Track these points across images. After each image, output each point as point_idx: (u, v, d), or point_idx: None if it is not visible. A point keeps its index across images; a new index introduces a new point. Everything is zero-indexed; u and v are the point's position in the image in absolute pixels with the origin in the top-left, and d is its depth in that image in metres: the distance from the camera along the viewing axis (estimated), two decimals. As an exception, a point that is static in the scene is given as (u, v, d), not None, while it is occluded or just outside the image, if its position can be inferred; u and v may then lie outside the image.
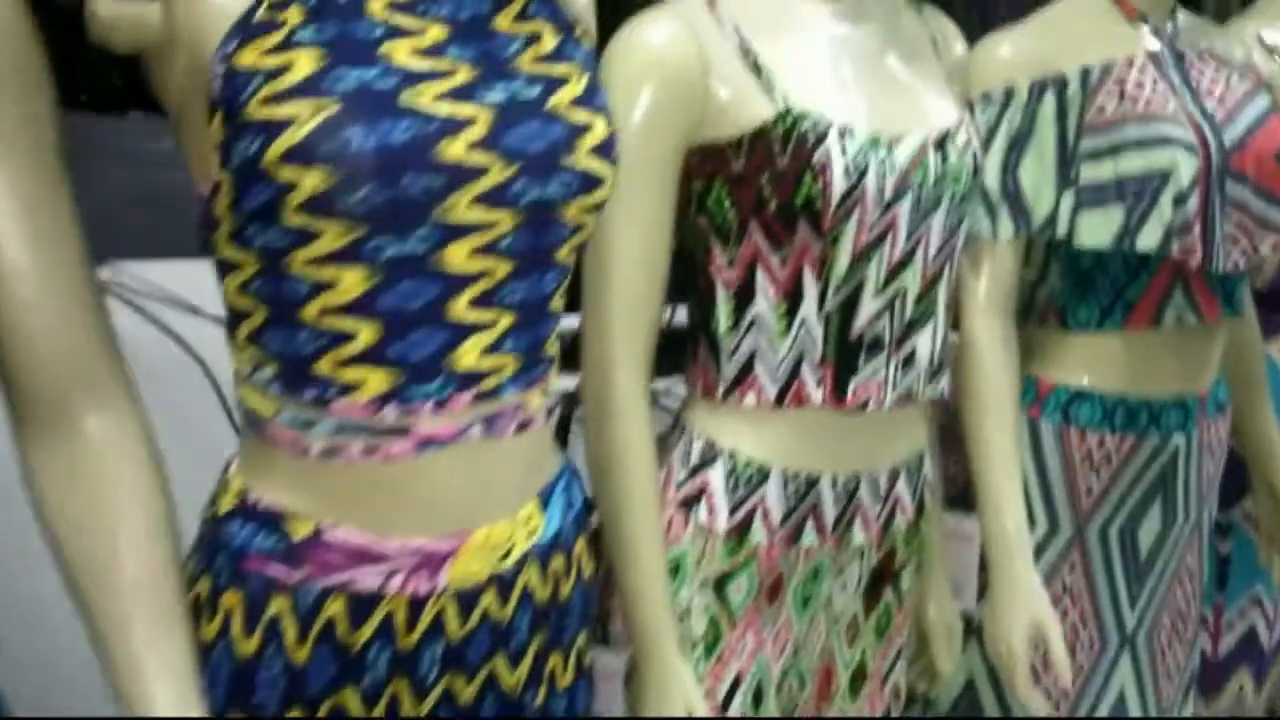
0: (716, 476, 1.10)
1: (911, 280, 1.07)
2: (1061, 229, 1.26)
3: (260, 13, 0.77)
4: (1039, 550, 1.36)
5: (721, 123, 1.02)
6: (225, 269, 0.84)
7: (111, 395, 0.78)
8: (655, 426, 1.10)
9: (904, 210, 1.04)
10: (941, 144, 1.06)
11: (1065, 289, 1.34)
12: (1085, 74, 1.26)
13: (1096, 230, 1.25)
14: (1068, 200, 1.26)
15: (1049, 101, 1.25)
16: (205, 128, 0.79)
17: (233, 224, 0.80)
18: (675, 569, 1.10)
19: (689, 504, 1.10)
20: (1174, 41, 1.31)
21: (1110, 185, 1.24)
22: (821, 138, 0.99)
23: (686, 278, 1.12)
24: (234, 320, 0.85)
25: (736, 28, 1.04)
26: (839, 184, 0.99)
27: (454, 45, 0.83)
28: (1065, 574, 1.37)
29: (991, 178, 1.26)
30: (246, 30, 0.76)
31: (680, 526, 1.10)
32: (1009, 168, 1.26)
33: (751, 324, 1.07)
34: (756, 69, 1.01)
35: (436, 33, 0.82)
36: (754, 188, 1.01)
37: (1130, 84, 1.25)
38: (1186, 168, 1.22)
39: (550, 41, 0.88)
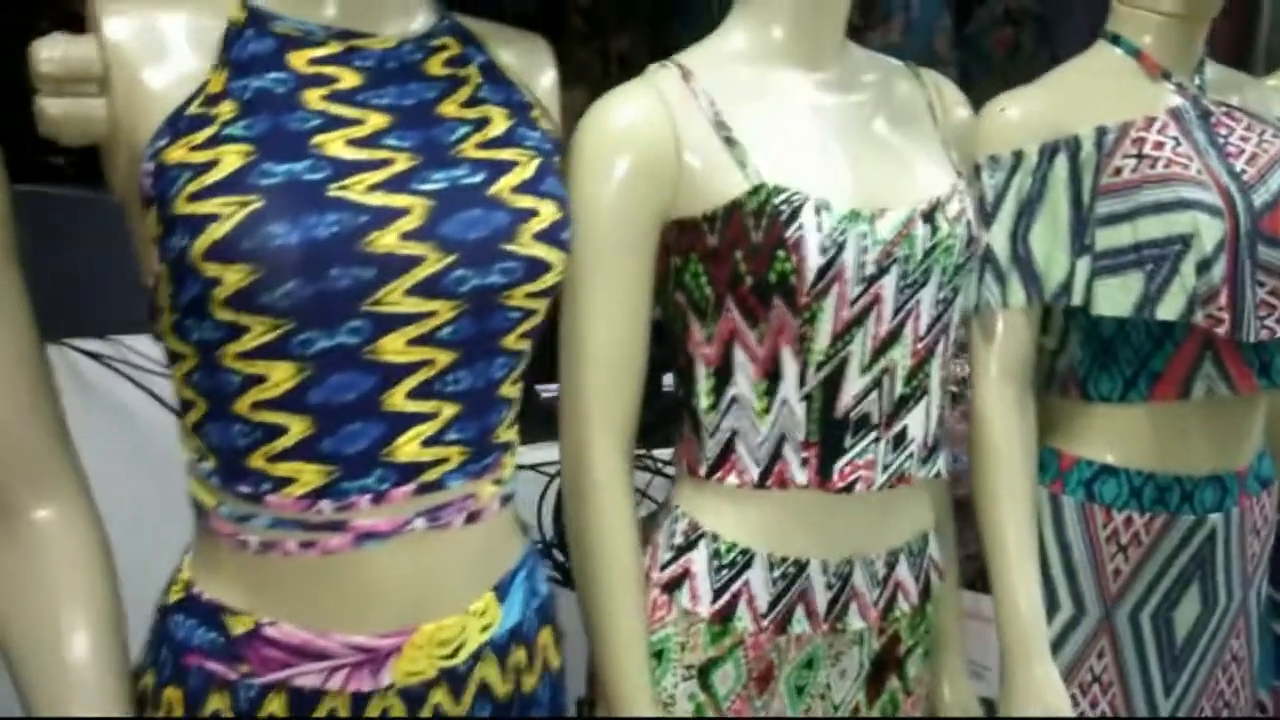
0: (700, 559, 1.05)
1: (900, 357, 1.02)
2: (1077, 297, 1.19)
3: (193, 108, 0.77)
4: (1064, 635, 1.28)
5: (695, 198, 0.99)
6: (172, 359, 0.84)
7: (59, 488, 0.78)
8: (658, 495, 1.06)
9: (889, 285, 0.99)
10: (930, 215, 1.01)
11: (1086, 359, 1.27)
12: (1101, 134, 1.19)
13: (1115, 299, 1.18)
14: (1084, 267, 1.19)
15: (1061, 164, 1.19)
16: (143, 221, 0.79)
17: (171, 316, 0.80)
18: (659, 655, 1.06)
19: (672, 587, 1.06)
20: (1200, 98, 1.24)
21: (1129, 251, 1.17)
22: (795, 213, 0.95)
23: (671, 352, 1.09)
24: (182, 410, 0.85)
25: (712, 100, 1.01)
26: (813, 260, 0.95)
27: (394, 134, 0.81)
28: (1093, 661, 1.29)
29: (1000, 244, 1.20)
30: (177, 126, 0.76)
31: (664, 610, 1.06)
32: (1019, 234, 1.20)
33: (732, 402, 1.03)
34: (730, 142, 0.98)
35: (376, 121, 0.81)
36: (729, 264, 0.98)
37: (1149, 144, 1.18)
38: (1210, 232, 1.15)
39: (500, 125, 0.87)
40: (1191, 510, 1.26)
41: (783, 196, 0.96)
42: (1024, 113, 1.21)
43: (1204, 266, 1.15)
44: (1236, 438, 1.26)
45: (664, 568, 1.07)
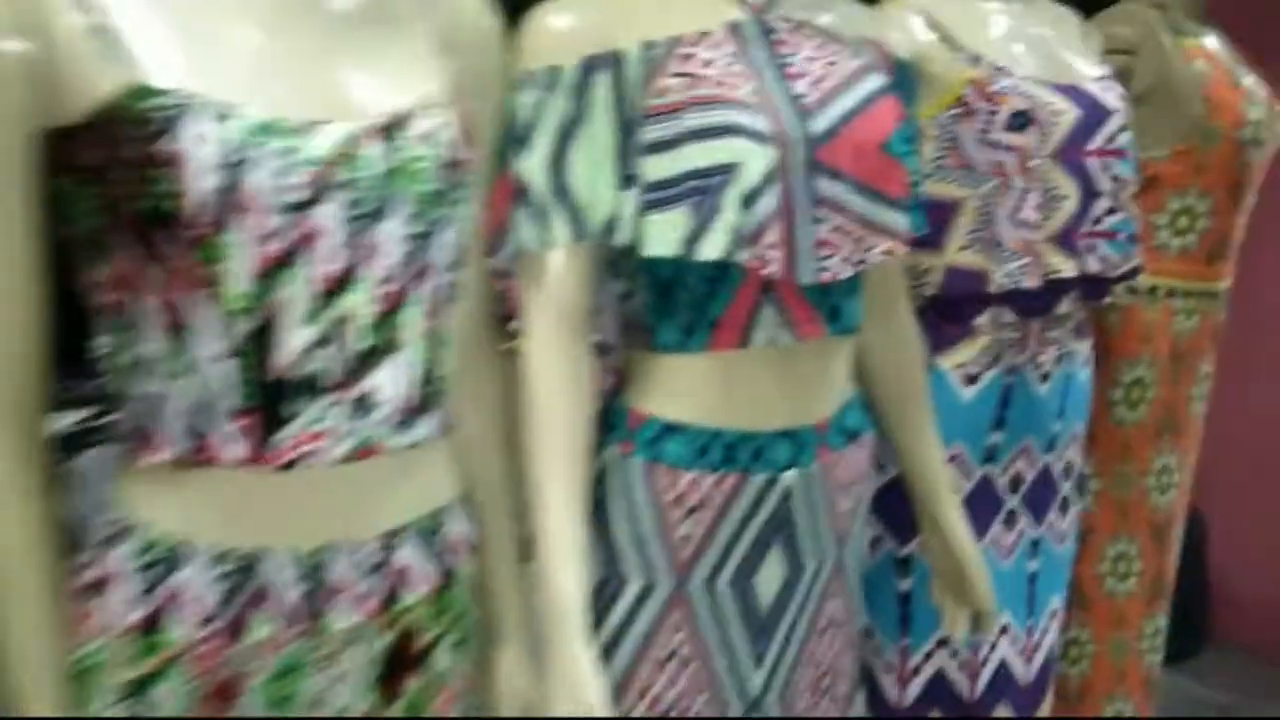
0: (121, 558, 0.86)
1: (360, 304, 0.84)
2: (625, 233, 1.05)
3: None
4: (635, 609, 1.16)
5: (65, 101, 0.77)
6: None
7: None
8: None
9: (331, 215, 0.81)
10: (390, 131, 0.84)
11: (650, 304, 1.14)
12: (648, 50, 1.05)
13: (663, 236, 1.04)
14: (631, 199, 1.05)
15: (603, 82, 1.04)
16: None
17: None
18: (85, 673, 0.86)
19: (91, 593, 0.86)
20: (765, 11, 1.11)
21: (676, 182, 1.03)
22: (175, 119, 0.75)
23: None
24: None
25: None
26: (202, 181, 0.75)
27: None
28: (669, 635, 1.17)
29: (537, 175, 1.04)
30: None
31: (85, 621, 0.86)
32: (557, 162, 1.04)
33: (139, 361, 0.83)
34: (101, 30, 0.77)
35: None
36: (109, 186, 0.78)
37: (698, 62, 1.05)
38: (756, 161, 1.02)
39: None
40: (763, 468, 1.15)
41: (160, 99, 0.76)
42: (565, 23, 1.05)
43: (749, 200, 1.02)
44: (811, 389, 1.16)
45: (83, 571, 0.87)
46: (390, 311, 0.86)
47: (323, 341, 0.83)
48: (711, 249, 1.03)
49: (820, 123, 1.07)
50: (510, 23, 1.06)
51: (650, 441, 1.14)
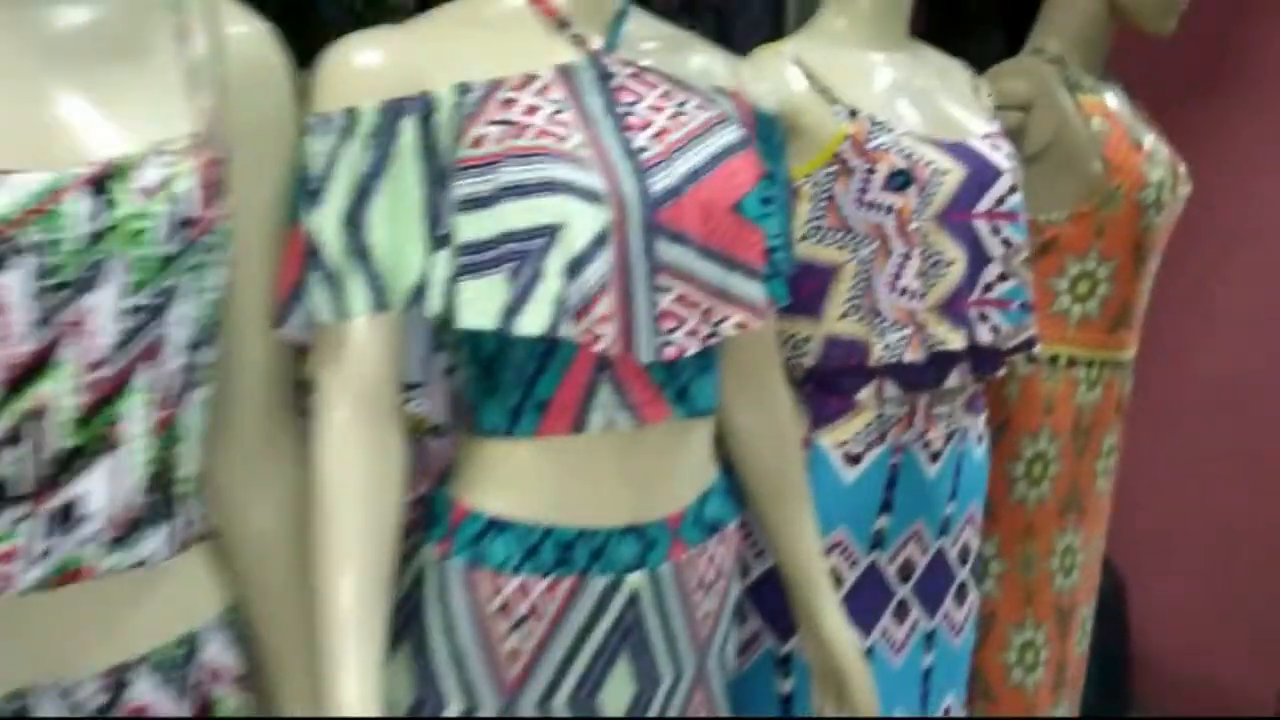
0: None
1: (59, 394, 0.69)
2: (434, 303, 0.91)
3: None
4: (454, 737, 1.00)
5: None
6: None
7: None
8: None
9: (14, 286, 0.66)
10: (102, 184, 0.69)
11: (473, 382, 1.00)
12: (463, 93, 0.92)
13: (480, 306, 0.90)
14: (443, 263, 0.91)
15: (409, 128, 0.90)
16: None
17: None
18: None
19: None
20: (603, 55, 0.99)
21: (490, 245, 0.90)
22: None
23: None
24: None
25: None
26: None
27: None
28: (495, 765, 1.01)
29: (331, 234, 0.90)
30: None
31: None
32: (354, 219, 0.90)
33: None
34: None
35: None
36: None
37: (520, 108, 0.92)
38: (583, 222, 0.89)
39: None
40: (605, 570, 1.01)
41: None
42: (366, 59, 0.91)
43: (575, 267, 0.89)
44: (659, 479, 1.02)
45: None
46: (102, 402, 0.70)
47: (10, 440, 0.67)
48: (532, 322, 0.89)
49: (662, 180, 0.94)
50: (306, 59, 0.92)
51: (472, 540, 0.99)
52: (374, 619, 0.91)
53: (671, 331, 0.95)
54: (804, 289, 1.30)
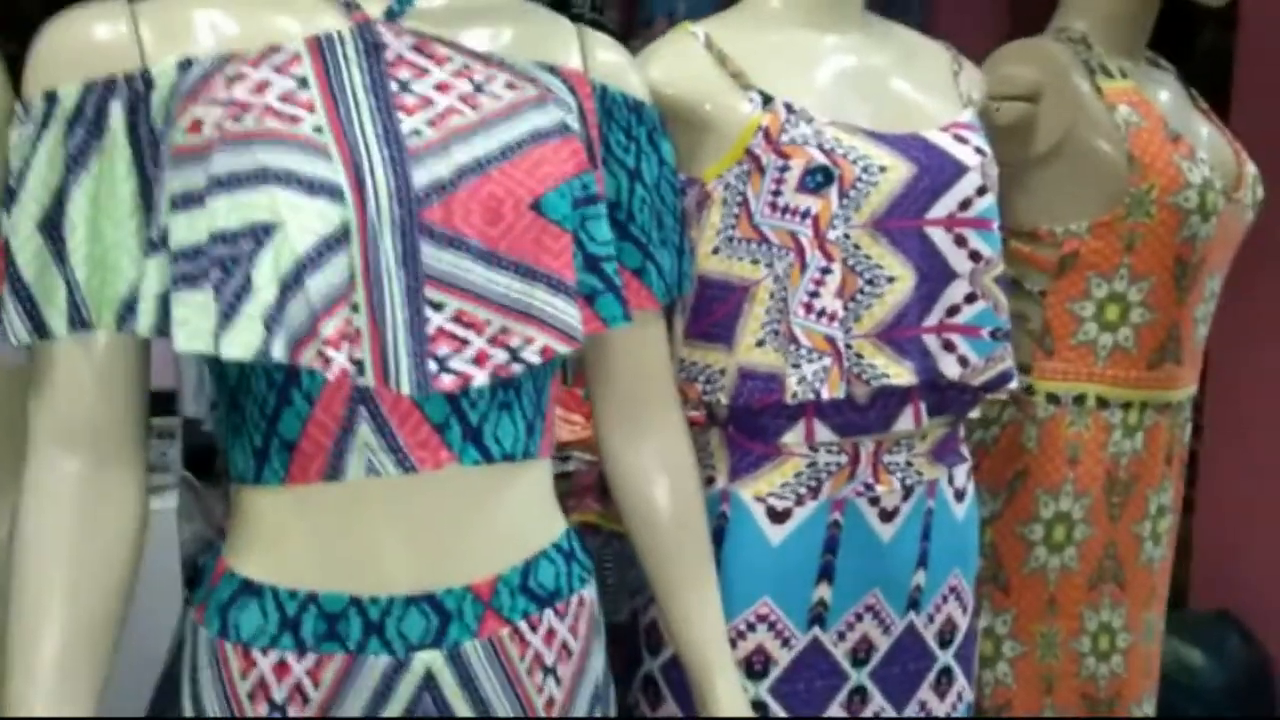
0: None
1: None
2: (146, 320, 0.76)
3: None
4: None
5: None
6: None
7: None
8: None
9: None
10: None
11: (222, 419, 0.84)
12: (184, 69, 0.77)
13: (191, 324, 0.74)
14: (157, 271, 0.76)
15: (118, 112, 0.76)
16: None
17: None
18: None
19: None
20: (378, 23, 0.82)
21: (202, 250, 0.74)
22: None
23: None
24: None
25: None
26: None
27: None
28: None
29: (25, 240, 0.76)
30: None
31: None
32: (52, 222, 0.76)
33: None
34: None
35: None
36: None
37: (249, 85, 0.76)
38: (305, 221, 0.72)
39: None
40: (384, 649, 0.83)
41: None
42: (74, 35, 0.77)
43: (295, 276, 0.72)
44: (453, 539, 0.84)
45: None
46: None
47: None
48: (239, 343, 0.72)
49: (432, 170, 0.77)
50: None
51: (222, 607, 0.83)
52: (71, 689, 0.76)
53: (446, 359, 0.77)
54: (716, 312, 1.09)
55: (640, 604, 1.18)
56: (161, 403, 0.99)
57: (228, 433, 0.83)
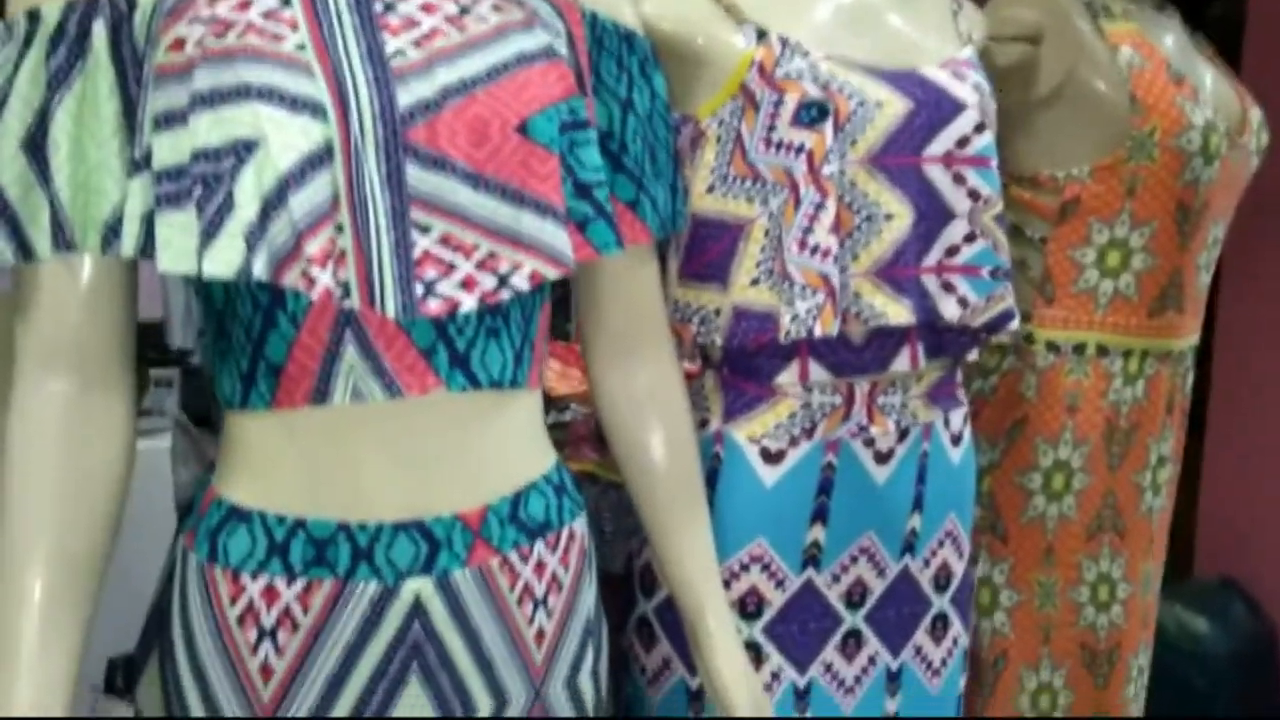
0: None
1: None
2: (129, 243, 0.75)
3: None
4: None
5: None
6: None
7: None
8: None
9: None
10: None
11: (209, 342, 0.84)
12: None
13: (175, 245, 0.74)
14: (140, 192, 0.75)
15: (100, 31, 0.75)
16: None
17: None
18: None
19: None
20: None
21: (184, 170, 0.74)
22: None
23: None
24: None
25: None
26: None
27: None
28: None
29: (7, 161, 0.75)
30: None
31: None
32: (35, 142, 0.76)
33: None
34: None
35: None
36: None
37: (230, 3, 0.75)
38: (288, 138, 0.72)
39: None
40: (373, 575, 0.83)
41: None
42: None
43: (277, 194, 0.72)
44: (441, 466, 0.83)
45: None
46: None
47: None
48: (220, 261, 0.72)
49: (416, 91, 0.76)
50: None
51: (211, 532, 0.83)
52: (61, 619, 0.76)
53: (434, 282, 0.77)
54: (710, 251, 1.08)
55: (635, 546, 1.18)
56: (150, 335, 0.98)
57: (215, 358, 0.83)
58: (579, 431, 1.50)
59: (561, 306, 2.04)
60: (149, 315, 1.10)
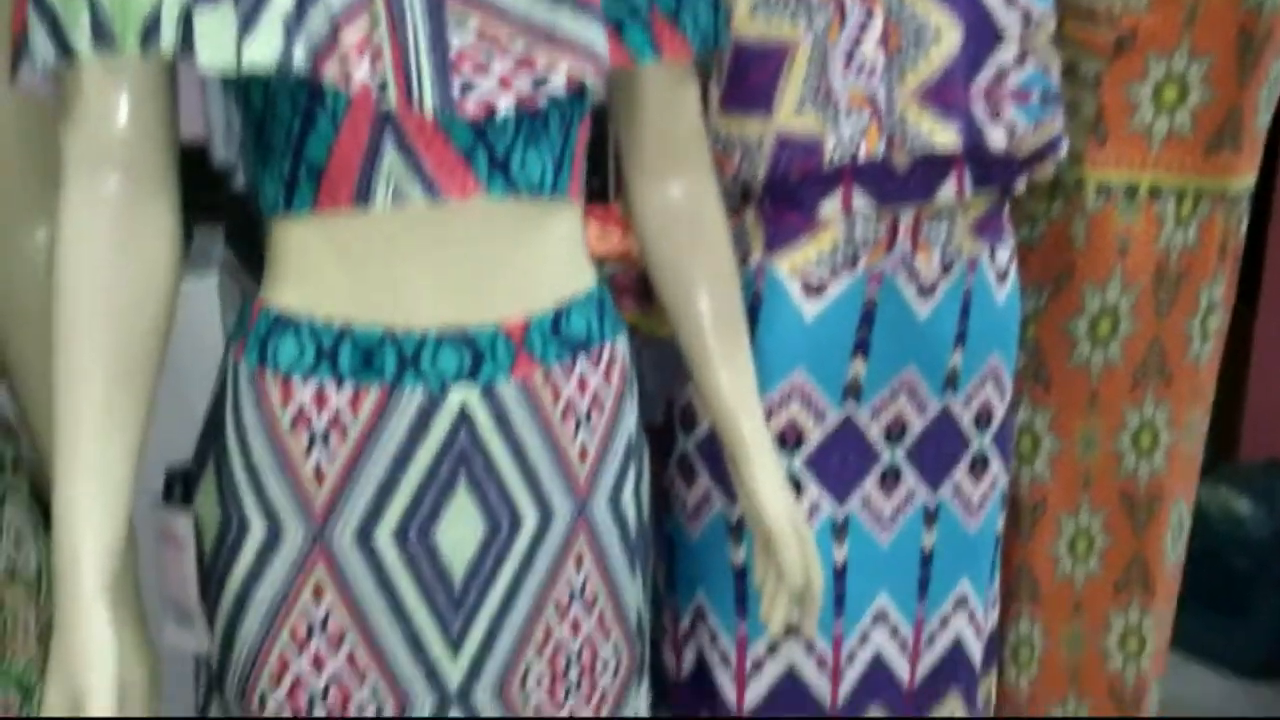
0: None
1: None
2: (168, 39, 0.75)
3: None
4: (258, 567, 0.87)
5: None
6: None
7: None
8: None
9: None
10: None
11: (249, 148, 0.84)
12: None
13: (215, 40, 0.74)
14: None
15: None
16: None
17: None
18: None
19: None
20: None
21: (223, -37, 0.73)
22: None
23: None
24: None
25: None
26: None
27: None
28: (308, 602, 0.88)
29: None
30: None
31: None
32: None
33: None
34: None
35: None
36: None
37: None
38: None
39: None
40: (419, 381, 0.84)
41: None
42: None
43: (315, -15, 0.71)
44: (484, 275, 0.84)
45: None
46: None
47: None
48: (259, 52, 0.72)
49: None
50: None
51: (261, 340, 0.85)
52: (118, 419, 0.78)
53: (472, 79, 0.76)
54: (754, 78, 1.06)
55: (675, 387, 1.19)
56: (193, 164, 0.98)
57: (257, 166, 0.84)
58: (620, 283, 1.50)
59: (598, 168, 2.03)
60: (191, 134, 1.10)
